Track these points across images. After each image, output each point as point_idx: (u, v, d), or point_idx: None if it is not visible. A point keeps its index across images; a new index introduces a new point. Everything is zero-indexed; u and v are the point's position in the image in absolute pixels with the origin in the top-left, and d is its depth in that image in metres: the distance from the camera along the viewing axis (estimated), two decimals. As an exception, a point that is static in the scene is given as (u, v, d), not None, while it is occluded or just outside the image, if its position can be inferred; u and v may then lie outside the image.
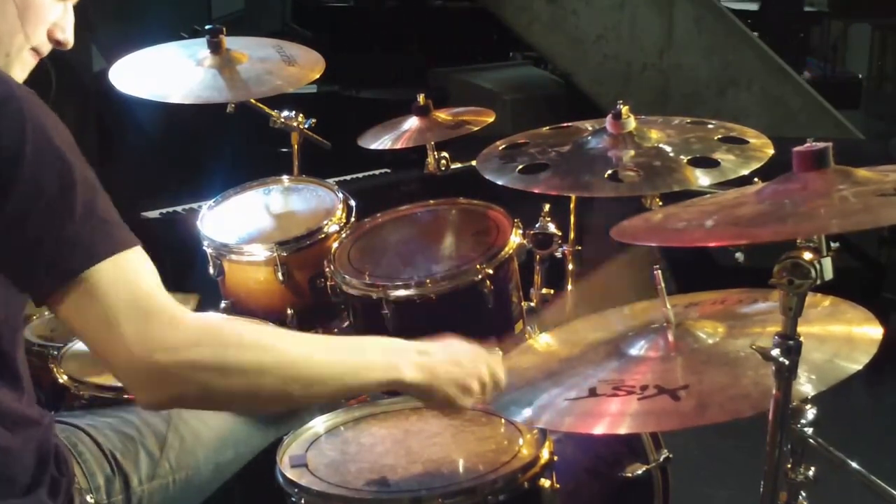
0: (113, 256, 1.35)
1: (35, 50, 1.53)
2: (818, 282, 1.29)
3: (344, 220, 2.43)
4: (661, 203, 1.96)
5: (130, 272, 1.37)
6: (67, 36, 1.56)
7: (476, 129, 2.53)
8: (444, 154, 2.49)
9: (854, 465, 1.59)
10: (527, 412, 1.51)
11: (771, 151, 1.91)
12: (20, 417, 1.48)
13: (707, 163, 1.91)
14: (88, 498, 1.62)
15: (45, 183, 1.33)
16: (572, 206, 2.28)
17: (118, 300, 1.35)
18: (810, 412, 1.54)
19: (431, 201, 2.43)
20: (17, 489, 1.47)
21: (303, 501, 1.60)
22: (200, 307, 2.58)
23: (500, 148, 2.16)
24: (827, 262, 1.29)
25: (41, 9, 1.50)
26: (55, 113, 1.39)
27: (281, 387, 1.45)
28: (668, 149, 1.97)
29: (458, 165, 2.48)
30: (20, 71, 1.52)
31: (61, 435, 1.64)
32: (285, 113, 2.72)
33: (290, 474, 1.64)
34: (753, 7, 7.11)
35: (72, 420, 1.72)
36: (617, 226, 1.46)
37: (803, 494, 1.58)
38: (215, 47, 2.63)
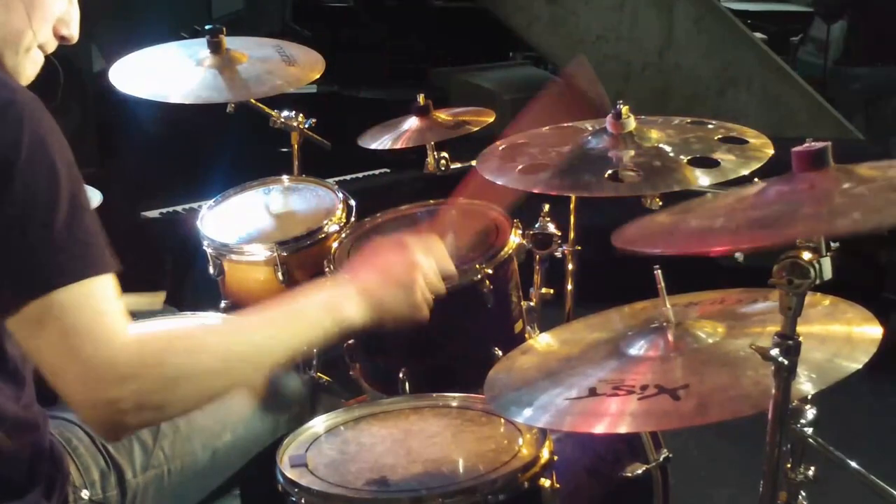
0: (83, 280, 1.32)
1: (41, 47, 1.51)
2: (818, 281, 1.29)
3: (344, 220, 2.43)
4: (661, 203, 1.96)
5: (96, 299, 1.33)
6: (72, 31, 1.54)
7: (476, 129, 2.53)
8: (444, 154, 2.49)
9: (854, 465, 1.59)
10: (527, 412, 1.51)
11: (771, 151, 1.91)
12: (16, 419, 1.48)
13: (707, 163, 1.91)
14: (83, 494, 1.62)
15: (33, 195, 1.30)
16: (572, 206, 2.28)
17: (78, 326, 1.31)
18: (810, 412, 1.54)
19: (431, 201, 2.43)
20: (12, 490, 1.47)
21: (303, 501, 1.60)
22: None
23: (500, 148, 2.16)
24: (826, 262, 1.29)
25: (47, 4, 1.48)
26: (61, 113, 1.37)
27: (233, 377, 1.46)
28: (668, 149, 1.97)
29: (458, 165, 2.48)
30: (32, 68, 1.51)
31: (55, 430, 1.62)
32: (285, 113, 2.72)
33: (290, 474, 1.64)
34: (753, 7, 7.10)
35: (66, 415, 1.69)
36: (618, 231, 1.44)
37: (803, 494, 1.58)
38: (215, 47, 2.63)
